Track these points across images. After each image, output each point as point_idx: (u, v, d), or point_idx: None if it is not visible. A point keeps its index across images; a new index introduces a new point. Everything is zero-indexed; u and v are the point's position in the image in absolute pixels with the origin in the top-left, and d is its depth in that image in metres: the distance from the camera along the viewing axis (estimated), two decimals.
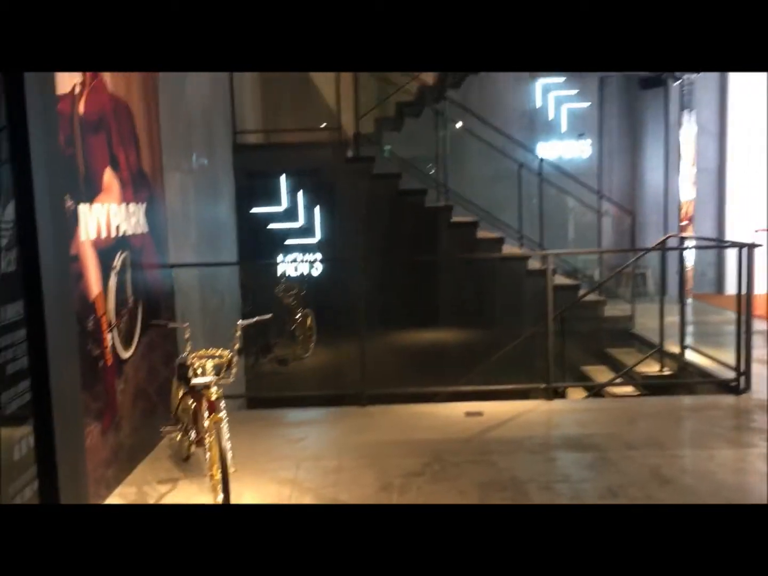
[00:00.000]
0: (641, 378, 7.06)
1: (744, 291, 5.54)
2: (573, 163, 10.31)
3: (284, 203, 8.12)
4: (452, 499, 3.74)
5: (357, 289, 5.71)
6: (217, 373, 3.84)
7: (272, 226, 8.26)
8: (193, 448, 4.21)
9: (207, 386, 3.74)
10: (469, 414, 5.29)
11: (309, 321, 8.66)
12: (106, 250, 4.03)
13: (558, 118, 10.39)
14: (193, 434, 4.09)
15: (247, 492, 3.88)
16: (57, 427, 1.87)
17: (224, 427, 3.61)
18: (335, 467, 4.29)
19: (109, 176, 4.13)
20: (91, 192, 3.87)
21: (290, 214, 8.18)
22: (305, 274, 8.28)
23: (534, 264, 8.35)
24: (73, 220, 3.58)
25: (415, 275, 8.26)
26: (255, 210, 8.09)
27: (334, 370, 8.18)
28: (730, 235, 10.28)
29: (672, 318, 6.99)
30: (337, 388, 6.74)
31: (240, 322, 4.08)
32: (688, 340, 6.92)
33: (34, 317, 1.80)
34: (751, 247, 5.47)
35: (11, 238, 1.78)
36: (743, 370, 5.60)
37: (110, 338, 4.03)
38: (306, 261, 8.38)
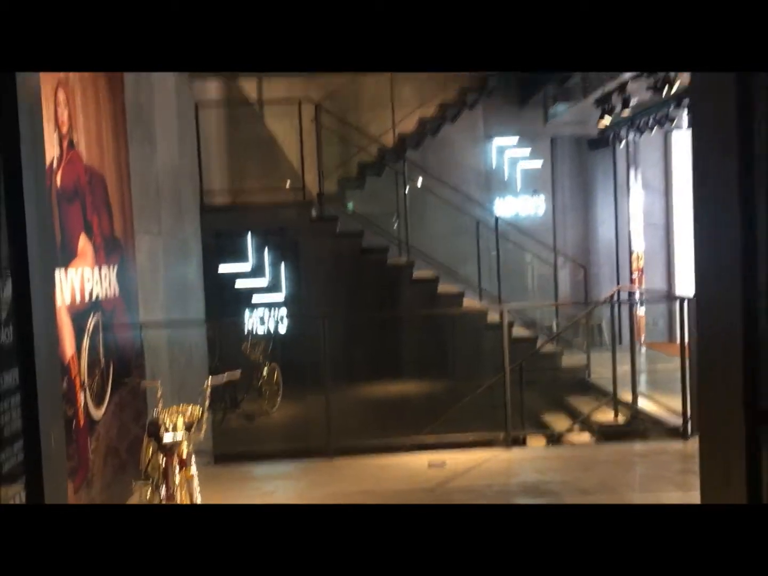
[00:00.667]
0: (597, 425, 7.35)
1: (687, 340, 5.91)
2: (529, 218, 10.77)
3: (251, 262, 8.35)
4: None
5: (322, 344, 5.93)
6: (188, 430, 3.98)
7: (239, 283, 8.48)
8: None
9: (178, 442, 3.89)
10: (432, 464, 5.49)
11: (276, 376, 8.81)
12: (80, 313, 4.21)
13: (513, 176, 10.88)
14: (163, 490, 4.20)
15: None
16: (46, 483, 2.04)
17: (195, 482, 3.75)
18: None
19: (83, 242, 4.33)
20: (66, 258, 4.07)
21: (257, 272, 8.41)
22: (271, 330, 8.47)
23: (493, 317, 8.67)
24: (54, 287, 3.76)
25: (379, 329, 8.51)
26: (222, 268, 8.31)
27: (301, 424, 8.31)
28: (678, 286, 10.78)
29: (626, 366, 7.32)
30: (304, 442, 6.88)
31: (209, 378, 4.23)
32: (641, 388, 7.25)
33: (27, 383, 1.99)
34: (690, 300, 5.86)
35: (9, 313, 1.99)
36: (689, 416, 5.92)
37: (83, 398, 4.18)
38: (272, 317, 8.58)
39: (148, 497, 4.45)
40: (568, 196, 11.29)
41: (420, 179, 9.84)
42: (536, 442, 7.33)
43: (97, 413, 4.40)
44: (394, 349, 8.76)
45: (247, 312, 8.57)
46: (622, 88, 7.59)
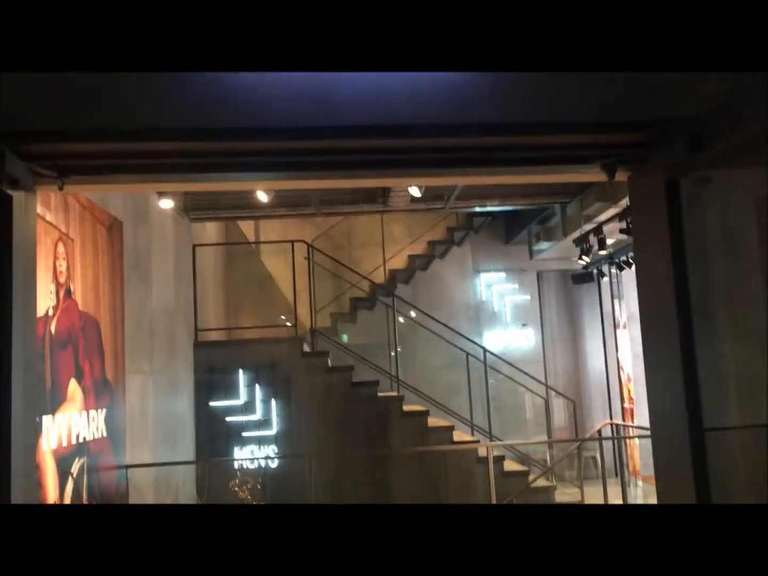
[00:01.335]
0: None
1: None
2: (519, 350, 10.95)
3: (242, 397, 8.43)
4: None
5: (310, 484, 5.92)
6: None
7: (230, 418, 8.51)
8: None
9: None
10: None
11: None
12: (65, 457, 4.27)
13: (502, 309, 11.16)
14: None
15: None
16: None
17: None
18: None
19: (73, 387, 4.47)
20: (55, 403, 4.19)
21: (248, 407, 8.47)
22: (261, 466, 8.41)
23: (484, 451, 8.63)
24: (37, 433, 3.86)
25: (368, 464, 8.45)
26: (213, 404, 8.38)
27: None
28: None
29: (619, 501, 7.23)
30: None
31: None
32: None
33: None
34: None
35: None
36: None
37: None
38: (261, 454, 8.56)
39: None
40: (557, 328, 11.53)
41: (411, 313, 10.11)
42: None
43: None
44: (385, 483, 8.66)
45: (236, 448, 8.56)
46: (598, 229, 7.98)
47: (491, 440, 8.93)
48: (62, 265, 4.33)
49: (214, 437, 8.36)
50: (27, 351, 2.47)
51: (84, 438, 4.57)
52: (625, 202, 6.98)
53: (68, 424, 4.33)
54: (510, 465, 8.83)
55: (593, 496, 8.39)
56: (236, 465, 8.25)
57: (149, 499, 6.01)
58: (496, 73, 2.40)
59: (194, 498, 7.73)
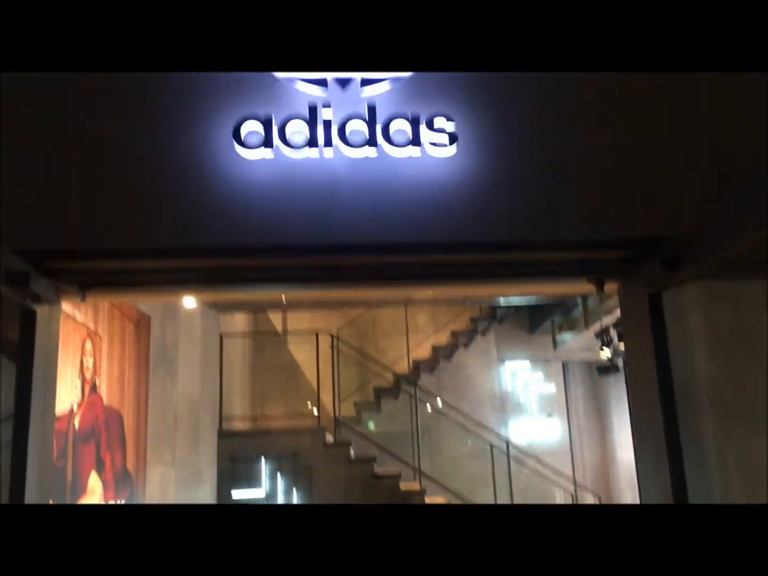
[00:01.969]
0: None
1: None
2: (546, 442, 10.82)
3: (264, 487, 8.45)
4: None
5: None
6: None
7: None
8: None
9: None
10: None
11: None
12: None
13: (527, 399, 11.11)
14: None
15: None
16: None
17: None
18: None
19: (93, 479, 4.60)
20: (74, 496, 4.32)
21: (270, 497, 8.47)
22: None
23: None
24: None
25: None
26: (236, 493, 8.41)
27: None
28: None
29: None
30: None
31: None
32: None
33: None
34: None
35: None
36: None
37: None
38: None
39: None
40: (584, 419, 11.39)
41: (436, 402, 10.13)
42: None
43: None
44: None
45: None
46: (618, 322, 8.03)
47: None
48: (89, 362, 4.55)
49: None
50: (43, 448, 2.64)
51: None
52: None
53: None
54: None
55: None
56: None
57: None
58: (496, 192, 2.60)
59: None
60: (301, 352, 10.58)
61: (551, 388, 11.12)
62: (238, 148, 2.56)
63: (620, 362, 9.74)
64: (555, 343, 10.83)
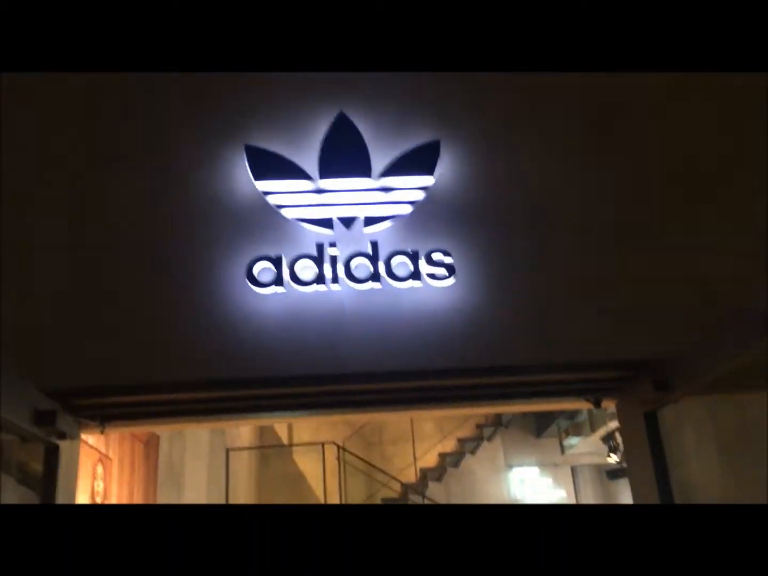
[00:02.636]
0: None
1: None
2: None
3: None
4: None
5: None
6: None
7: None
8: None
9: None
10: None
11: None
12: None
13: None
14: None
15: None
16: None
17: None
18: None
19: None
20: None
21: None
22: None
23: None
24: None
25: None
26: None
27: None
28: None
29: None
30: None
31: None
32: None
33: None
34: None
35: None
36: None
37: None
38: None
39: None
40: None
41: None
42: None
43: None
44: None
45: None
46: None
47: None
48: (99, 486, 4.58)
49: None
50: None
51: None
52: None
53: None
54: None
55: None
56: None
57: None
58: (493, 318, 2.76)
59: None
60: (307, 463, 10.49)
61: (561, 493, 10.94)
62: (252, 287, 2.74)
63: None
64: (562, 448, 10.75)
